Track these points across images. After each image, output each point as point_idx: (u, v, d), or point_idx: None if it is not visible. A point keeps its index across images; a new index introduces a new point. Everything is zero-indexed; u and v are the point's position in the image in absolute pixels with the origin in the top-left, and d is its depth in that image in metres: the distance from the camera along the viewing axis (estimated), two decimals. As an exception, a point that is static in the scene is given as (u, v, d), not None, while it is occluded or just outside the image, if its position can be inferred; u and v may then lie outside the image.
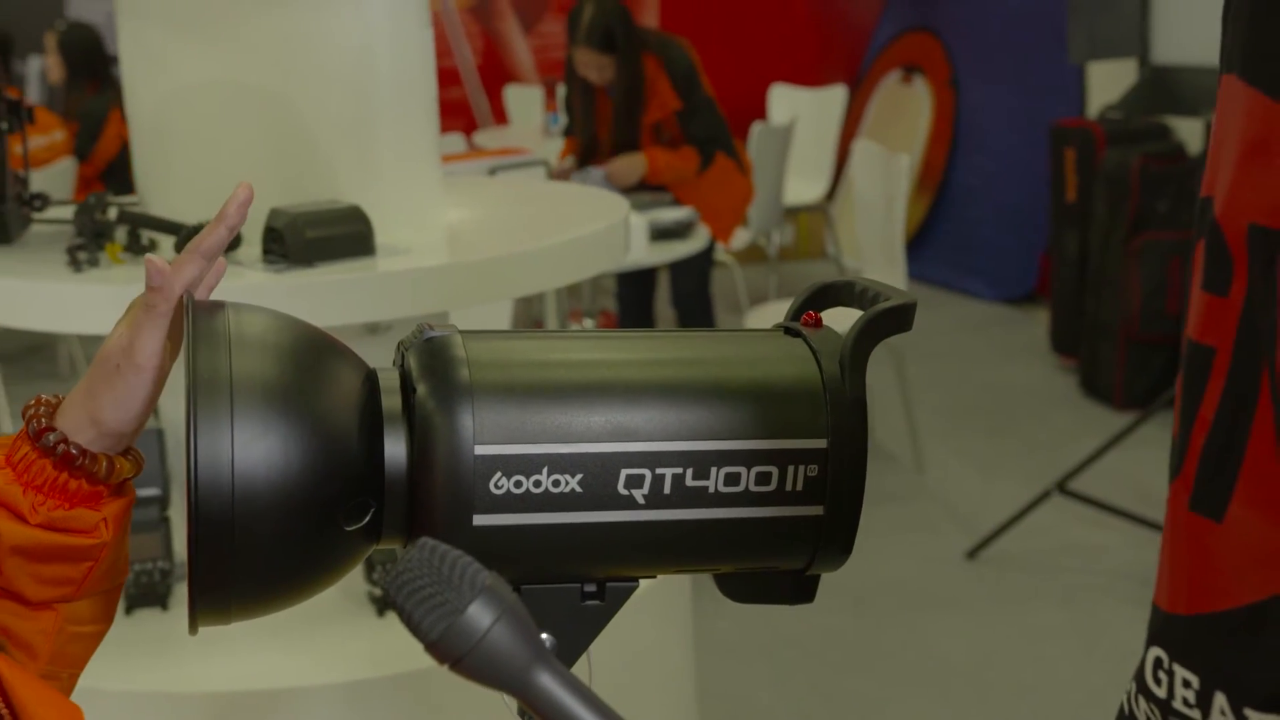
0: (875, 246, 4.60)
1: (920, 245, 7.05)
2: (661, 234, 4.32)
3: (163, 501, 2.04)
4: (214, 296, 0.96)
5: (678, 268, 4.73)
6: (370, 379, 0.88)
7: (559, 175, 4.56)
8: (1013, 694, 3.19)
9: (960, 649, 3.40)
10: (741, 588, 0.98)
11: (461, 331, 0.89)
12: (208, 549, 0.80)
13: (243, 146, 1.95)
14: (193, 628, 0.85)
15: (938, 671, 3.31)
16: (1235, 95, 0.91)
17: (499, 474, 0.84)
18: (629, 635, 2.10)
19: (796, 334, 0.93)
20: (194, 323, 0.85)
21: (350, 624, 2.02)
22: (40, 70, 6.41)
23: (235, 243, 1.86)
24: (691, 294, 4.86)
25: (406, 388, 0.86)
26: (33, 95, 6.53)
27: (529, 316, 5.31)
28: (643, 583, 0.93)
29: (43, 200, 2.04)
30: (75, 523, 0.91)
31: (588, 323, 5.71)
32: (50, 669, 0.95)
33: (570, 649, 0.91)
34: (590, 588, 0.90)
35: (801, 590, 0.96)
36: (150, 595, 2.05)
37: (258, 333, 0.87)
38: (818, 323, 0.94)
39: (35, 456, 0.91)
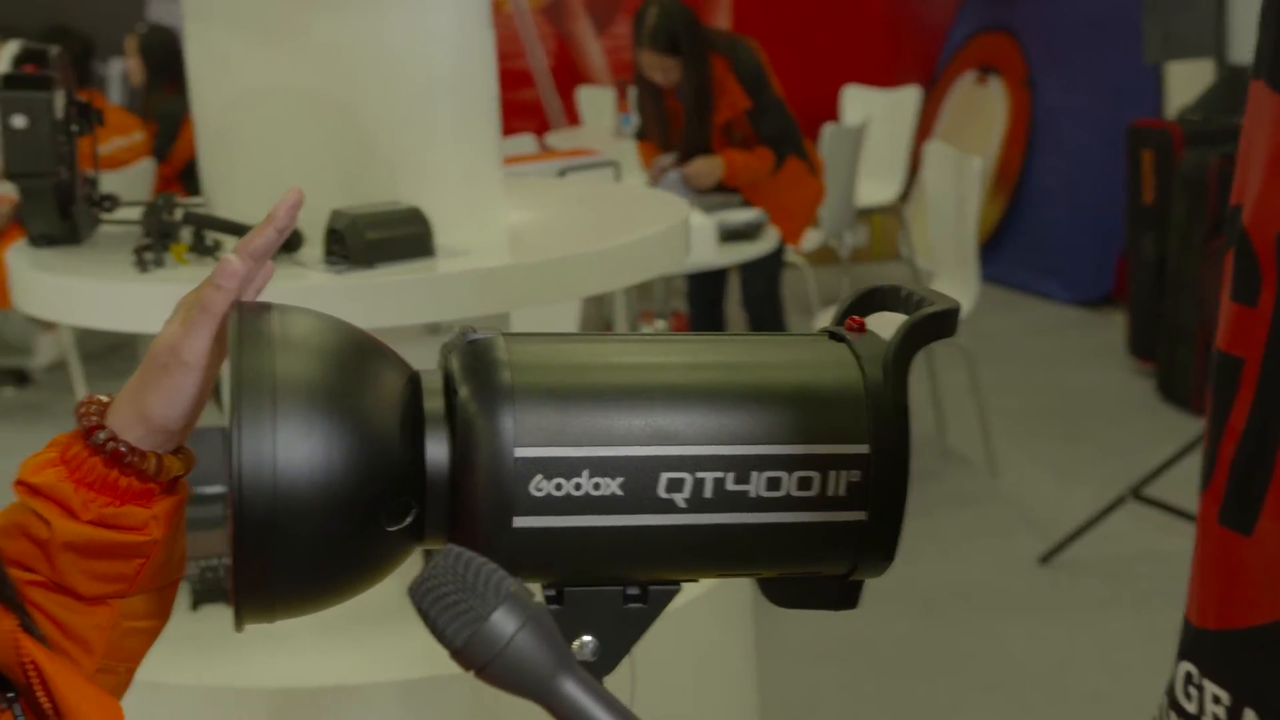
0: (948, 248, 4.56)
1: (995, 247, 6.98)
2: (731, 235, 4.31)
3: (227, 499, 2.06)
4: (267, 297, 0.97)
5: (748, 269, 4.72)
6: (413, 381, 0.89)
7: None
8: (1086, 701, 3.15)
9: (1033, 655, 3.36)
10: (784, 592, 0.97)
11: (504, 334, 0.90)
12: (250, 548, 0.81)
13: (305, 148, 1.97)
14: (238, 625, 0.86)
15: (1009, 678, 3.27)
16: (1263, 102, 0.89)
17: (539, 476, 0.84)
18: (688, 637, 2.11)
19: (840, 339, 0.92)
20: (240, 324, 0.86)
21: (411, 622, 2.02)
22: (122, 72, 6.51)
23: (297, 243, 1.88)
24: (761, 295, 4.85)
25: (449, 390, 0.87)
26: (114, 97, 6.64)
27: (599, 317, 5.31)
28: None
29: (112, 201, 2.08)
30: (125, 519, 0.92)
31: (659, 324, 5.71)
32: (106, 663, 0.96)
33: (614, 651, 0.90)
34: (633, 590, 0.90)
35: (845, 596, 0.95)
36: (215, 591, 2.08)
37: (302, 334, 0.87)
38: (861, 328, 0.93)
39: (86, 454, 0.92)
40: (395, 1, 1.95)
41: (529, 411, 0.84)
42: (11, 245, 2.08)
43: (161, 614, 1.00)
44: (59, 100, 1.91)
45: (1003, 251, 7.00)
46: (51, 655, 0.85)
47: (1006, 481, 4.45)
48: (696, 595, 2.04)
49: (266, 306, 0.90)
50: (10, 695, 0.82)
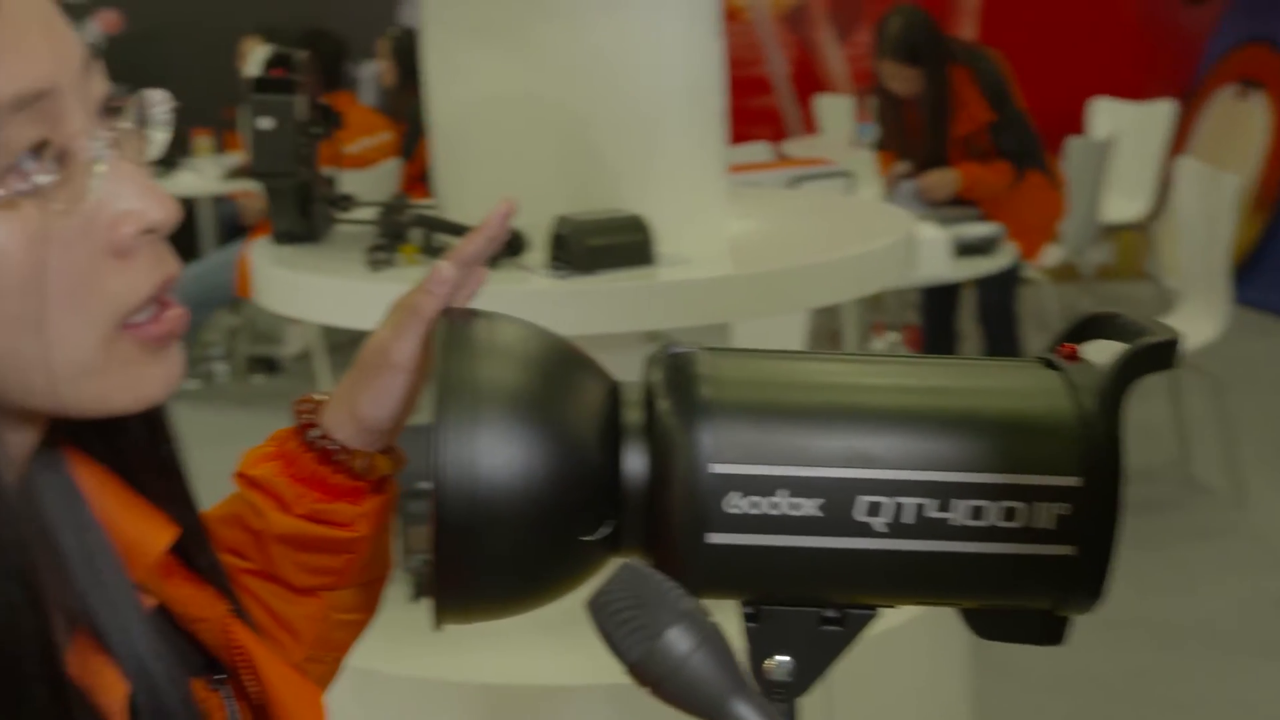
0: (1198, 269, 4.38)
1: (1252, 269, 6.67)
2: (966, 249, 4.22)
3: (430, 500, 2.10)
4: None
5: (983, 284, 4.62)
6: (614, 392, 0.89)
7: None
8: (1324, 754, 2.99)
9: (1272, 701, 3.20)
10: (987, 624, 0.95)
11: (707, 349, 0.89)
12: (450, 551, 0.83)
13: (534, 155, 2.00)
14: (436, 624, 0.87)
15: (1245, 723, 3.13)
16: None
17: (735, 493, 0.83)
18: (897, 661, 2.07)
19: (1053, 366, 0.89)
20: (448, 329, 0.88)
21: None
22: (375, 74, 6.74)
23: (521, 247, 1.91)
24: (997, 311, 4.74)
25: (649, 402, 0.87)
26: (366, 98, 6.87)
27: (828, 328, 5.27)
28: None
29: (348, 201, 2.15)
30: (335, 515, 0.95)
31: (890, 336, 5.63)
32: (314, 653, 0.99)
33: (808, 672, 0.89)
34: (830, 613, 0.89)
35: (1051, 631, 0.92)
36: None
37: (508, 342, 0.89)
38: (1075, 356, 0.90)
39: (300, 450, 0.95)
40: (627, 11, 1.97)
41: (727, 427, 0.84)
42: (255, 241, 2.16)
43: (369, 608, 1.02)
44: (302, 103, 1.98)
45: (1260, 274, 6.68)
46: (260, 642, 0.88)
47: (1254, 515, 4.24)
48: (908, 616, 2.00)
49: (474, 313, 0.91)
50: (219, 678, 0.85)
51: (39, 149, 0.63)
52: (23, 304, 0.62)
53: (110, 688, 0.73)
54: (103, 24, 6.91)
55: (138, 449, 0.81)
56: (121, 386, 0.68)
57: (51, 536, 0.74)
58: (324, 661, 1.00)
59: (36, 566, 0.64)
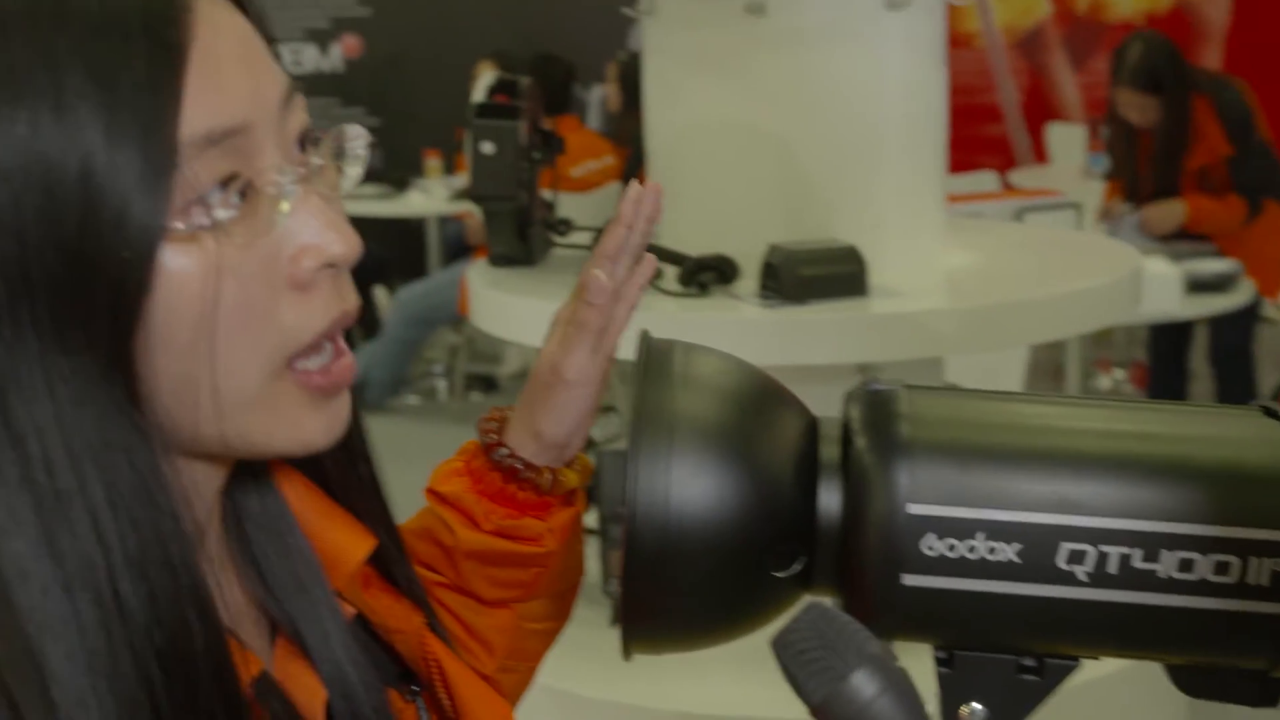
0: None
1: None
2: (1199, 286, 4.06)
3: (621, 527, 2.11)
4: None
5: (1217, 322, 4.43)
6: (812, 427, 0.88)
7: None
8: None
9: None
10: (1195, 680, 0.90)
11: (907, 386, 0.88)
12: (640, 582, 0.83)
13: (749, 183, 2.00)
14: (626, 655, 0.88)
15: None
16: None
17: (932, 535, 0.81)
18: (1102, 711, 1.99)
19: (1274, 415, 0.85)
20: (646, 358, 0.88)
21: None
22: (601, 98, 6.84)
23: (732, 274, 1.91)
24: (1231, 351, 4.55)
25: (847, 439, 0.86)
26: (592, 121, 6.98)
27: (1050, 362, 5.14)
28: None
29: (566, 225, 2.18)
30: (523, 531, 0.96)
31: (1116, 373, 5.47)
32: (506, 663, 1.00)
33: (1004, 720, 0.86)
34: (1028, 661, 0.86)
35: (1266, 693, 0.88)
36: (636, 608, 2.12)
37: (705, 373, 0.88)
38: (1302, 404, 0.85)
39: (487, 467, 0.96)
40: (850, 40, 1.96)
41: (925, 467, 0.82)
42: (474, 263, 2.21)
43: (560, 616, 1.03)
44: (524, 129, 2.02)
45: None
46: (453, 654, 0.89)
47: None
48: (1113, 668, 1.93)
49: (672, 343, 0.91)
50: (415, 689, 0.87)
51: (226, 183, 0.64)
52: (197, 334, 0.64)
53: (310, 692, 0.76)
54: (345, 48, 7.18)
55: (337, 468, 0.83)
56: (284, 427, 0.69)
57: (259, 548, 0.77)
58: (517, 670, 1.02)
59: (210, 588, 0.65)
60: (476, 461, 0.97)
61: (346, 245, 0.68)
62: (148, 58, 0.61)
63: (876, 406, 0.85)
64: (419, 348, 5.83)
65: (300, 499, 0.81)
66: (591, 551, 2.78)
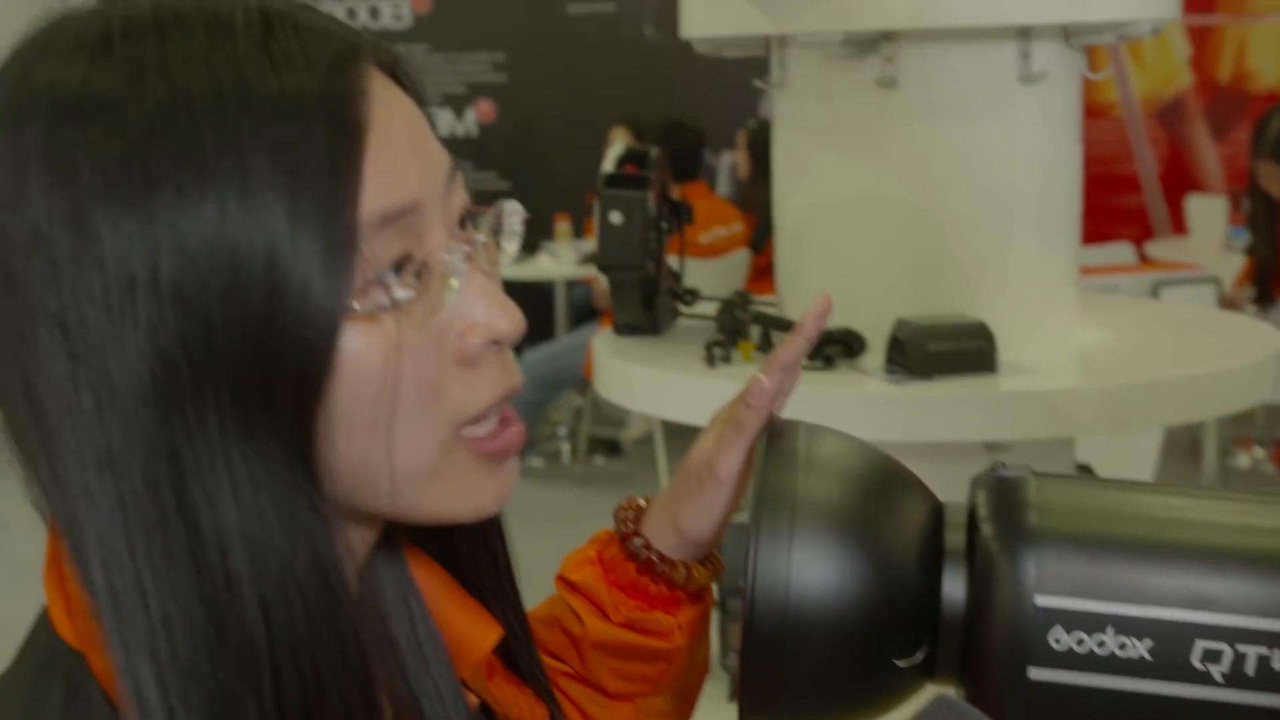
0: None
1: None
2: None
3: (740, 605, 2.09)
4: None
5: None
6: (937, 513, 0.87)
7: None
8: None
9: None
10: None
11: (1036, 474, 0.86)
12: (758, 664, 0.82)
13: (876, 256, 1.98)
14: (742, 735, 0.86)
15: None
16: None
17: (1060, 628, 0.79)
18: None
19: None
20: (769, 439, 0.88)
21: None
22: (731, 165, 6.87)
23: (859, 348, 1.90)
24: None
25: (972, 526, 0.84)
26: (721, 188, 7.02)
27: (1187, 439, 5.01)
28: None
29: (692, 295, 2.18)
30: (652, 625, 0.95)
31: (1257, 451, 5.32)
32: None
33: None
34: (1160, 760, 0.83)
35: None
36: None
37: (828, 456, 0.87)
38: None
39: (621, 557, 0.96)
40: (982, 115, 1.94)
41: (1054, 558, 0.80)
42: (600, 331, 2.22)
43: (683, 714, 1.02)
44: (652, 199, 2.03)
45: None
46: None
47: None
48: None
49: (796, 424, 0.90)
50: None
51: (400, 263, 0.65)
52: (377, 413, 0.64)
53: None
54: (479, 113, 7.31)
55: (469, 544, 0.83)
56: (458, 495, 0.70)
57: (387, 628, 0.77)
58: None
59: (372, 662, 0.66)
60: (610, 551, 0.97)
61: (512, 322, 0.69)
62: (329, 140, 0.62)
63: (1004, 494, 0.83)
64: (544, 410, 5.87)
65: (429, 579, 0.81)
66: (710, 623, 2.76)
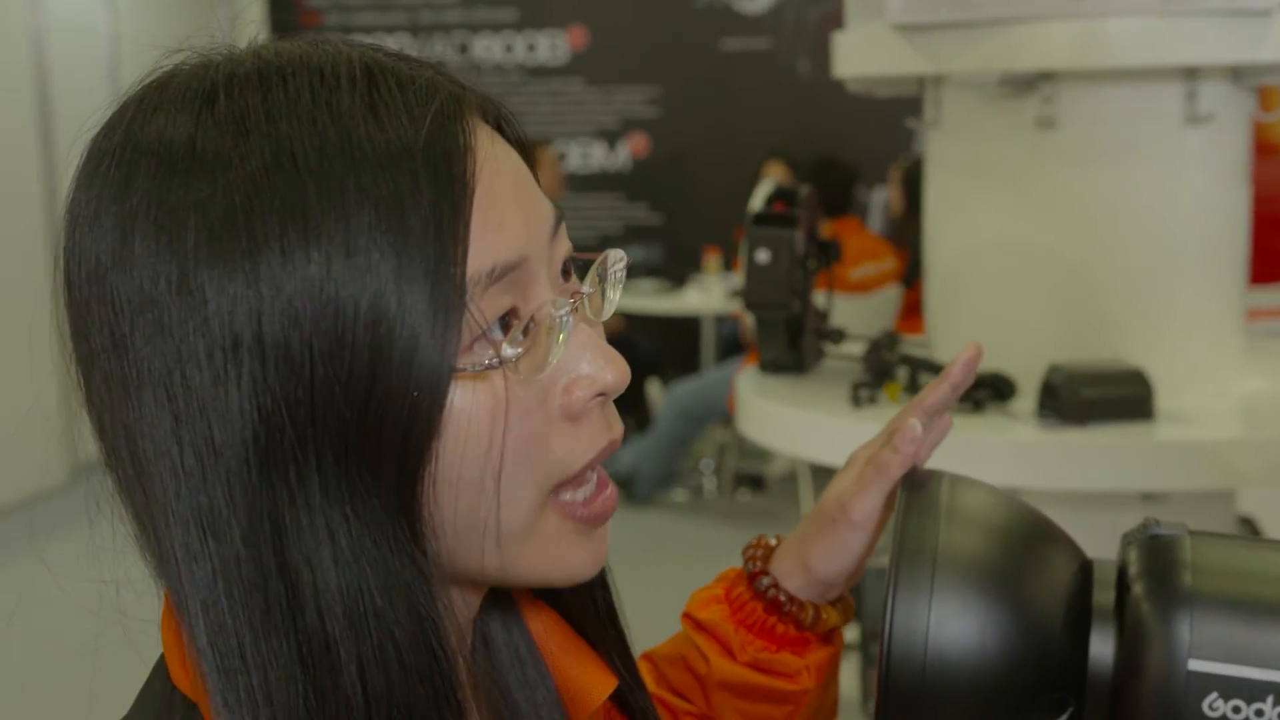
0: None
1: None
2: None
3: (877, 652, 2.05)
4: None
5: None
6: (1084, 569, 0.84)
7: None
8: None
9: None
10: None
11: (1192, 532, 0.82)
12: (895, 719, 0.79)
13: (1030, 298, 1.94)
14: (879, 796, 0.84)
15: None
16: None
17: (1215, 695, 0.75)
18: None
19: None
20: (909, 488, 0.85)
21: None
22: (884, 201, 6.82)
23: (1009, 392, 1.85)
24: None
25: (1122, 584, 0.81)
26: (874, 224, 6.96)
27: (1356, 493, 4.82)
28: None
29: (839, 335, 2.15)
30: (780, 666, 0.93)
31: None
32: None
33: None
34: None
35: None
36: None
37: (971, 508, 0.85)
38: None
39: (748, 596, 0.94)
40: (1144, 157, 1.89)
41: (1209, 622, 0.76)
42: (744, 368, 2.20)
43: None
44: (800, 238, 2.02)
45: None
46: None
47: None
48: None
49: (939, 475, 0.88)
50: None
51: (506, 318, 0.64)
52: (484, 471, 0.63)
53: None
54: (632, 147, 7.36)
55: (573, 594, 0.82)
56: (552, 559, 0.68)
57: (499, 679, 0.77)
58: None
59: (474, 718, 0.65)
60: (737, 590, 0.95)
61: (617, 374, 0.67)
62: (435, 196, 0.61)
63: (1157, 552, 0.80)
64: (689, 444, 5.87)
65: (542, 624, 0.80)
66: (850, 668, 2.71)
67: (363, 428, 0.60)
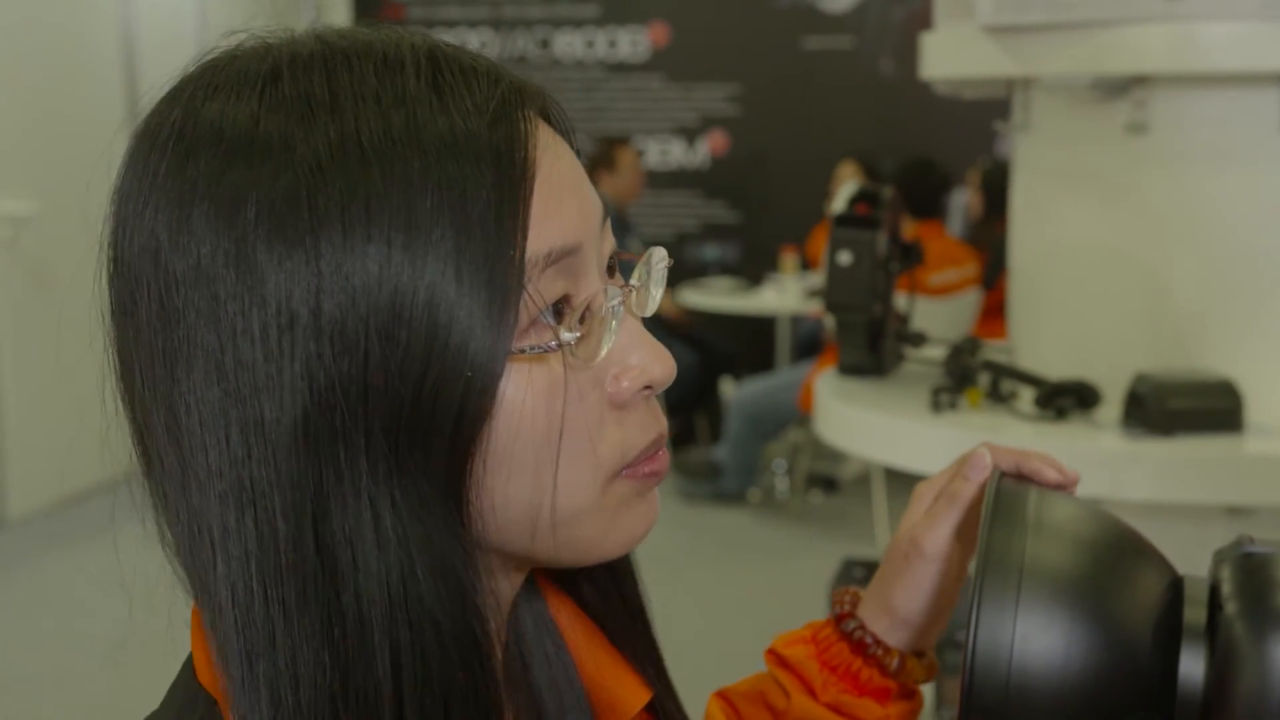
0: None
1: None
2: None
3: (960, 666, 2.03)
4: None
5: None
6: (1175, 586, 0.82)
7: None
8: None
9: None
10: None
11: (1288, 551, 0.80)
12: (976, 735, 0.78)
13: (1116, 306, 1.91)
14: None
15: None
16: None
17: (1312, 721, 0.74)
18: None
19: None
20: (996, 499, 0.84)
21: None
22: (963, 204, 6.75)
23: (1093, 401, 1.83)
24: None
25: (1214, 602, 0.79)
26: (954, 227, 6.90)
27: None
28: None
29: (920, 338, 2.13)
30: (860, 711, 0.92)
31: None
32: None
33: None
34: None
35: None
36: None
37: (1060, 521, 0.83)
38: None
39: (835, 638, 0.93)
40: (1235, 163, 1.86)
41: (1305, 645, 0.74)
42: (823, 371, 2.18)
43: None
44: (883, 240, 2.00)
45: None
46: None
47: None
48: None
49: (1026, 486, 0.86)
50: None
51: (560, 304, 0.65)
52: (537, 453, 0.64)
53: None
54: (711, 145, 7.35)
55: (600, 586, 0.81)
56: (612, 529, 0.68)
57: (533, 679, 0.76)
58: None
59: (508, 711, 0.64)
60: (824, 631, 0.94)
61: (665, 368, 0.68)
62: (497, 180, 0.61)
63: (1251, 571, 0.78)
64: (756, 442, 5.84)
65: (574, 628, 0.80)
66: None
67: (416, 408, 0.60)
